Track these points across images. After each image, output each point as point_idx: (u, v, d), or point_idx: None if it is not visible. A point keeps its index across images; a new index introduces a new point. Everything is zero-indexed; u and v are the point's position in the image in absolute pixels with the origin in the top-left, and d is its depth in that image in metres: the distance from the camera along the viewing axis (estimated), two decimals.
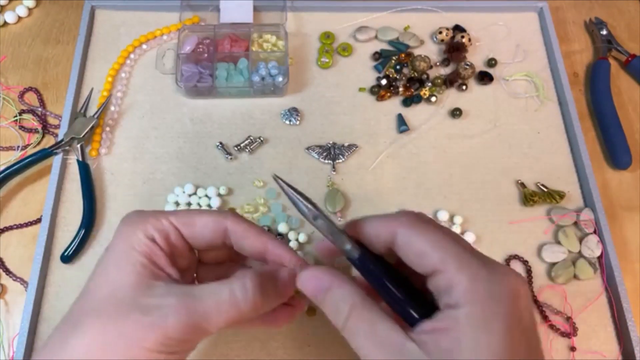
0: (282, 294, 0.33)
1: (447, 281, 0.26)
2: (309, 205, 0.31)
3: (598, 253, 0.50)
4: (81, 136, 0.53)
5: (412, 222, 0.29)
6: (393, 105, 0.58)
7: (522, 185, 0.54)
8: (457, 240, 0.28)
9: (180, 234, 0.33)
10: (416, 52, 0.61)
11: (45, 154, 0.52)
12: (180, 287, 0.30)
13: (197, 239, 0.33)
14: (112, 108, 0.56)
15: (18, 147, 0.54)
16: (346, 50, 0.60)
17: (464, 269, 0.26)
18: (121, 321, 0.28)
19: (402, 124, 0.56)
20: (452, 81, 0.59)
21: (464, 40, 0.60)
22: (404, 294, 0.29)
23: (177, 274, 0.32)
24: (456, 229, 0.51)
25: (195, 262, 0.37)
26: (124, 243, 0.31)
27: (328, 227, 0.31)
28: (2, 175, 0.51)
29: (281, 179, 0.32)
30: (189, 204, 0.51)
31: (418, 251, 0.28)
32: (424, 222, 0.29)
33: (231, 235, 0.34)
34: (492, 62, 0.61)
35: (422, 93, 0.58)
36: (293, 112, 0.57)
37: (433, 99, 0.58)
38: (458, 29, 0.62)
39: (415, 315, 0.28)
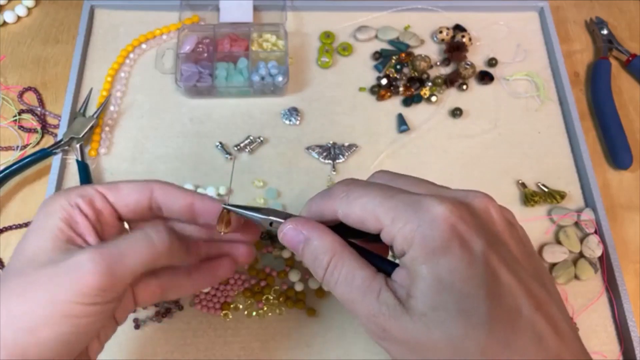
0: (197, 249, 0.34)
1: (388, 236, 0.27)
2: (260, 216, 0.33)
3: (599, 253, 0.50)
4: (80, 136, 0.53)
5: (344, 195, 0.29)
6: (393, 105, 0.58)
7: (523, 185, 0.54)
8: (384, 191, 0.28)
9: (107, 200, 0.33)
10: (416, 51, 0.61)
11: (44, 154, 0.52)
12: (99, 244, 0.31)
13: (123, 204, 0.33)
14: (112, 108, 0.56)
15: (17, 147, 0.54)
16: (346, 49, 0.60)
17: (395, 220, 0.26)
18: (39, 278, 0.28)
19: (402, 124, 0.56)
20: (453, 81, 0.59)
21: (464, 39, 0.60)
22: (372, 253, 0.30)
23: (98, 242, 0.32)
24: None
25: None
26: (44, 211, 0.31)
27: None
28: (1, 175, 0.51)
29: (230, 206, 0.34)
30: None
31: (357, 220, 0.28)
32: (354, 187, 0.29)
33: (158, 198, 0.34)
34: (492, 62, 0.60)
35: (422, 93, 0.58)
36: (293, 112, 0.56)
37: (433, 98, 0.58)
38: (458, 28, 0.62)
39: (389, 266, 0.29)
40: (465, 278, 0.25)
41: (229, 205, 0.34)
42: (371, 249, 0.30)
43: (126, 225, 0.35)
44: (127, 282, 0.30)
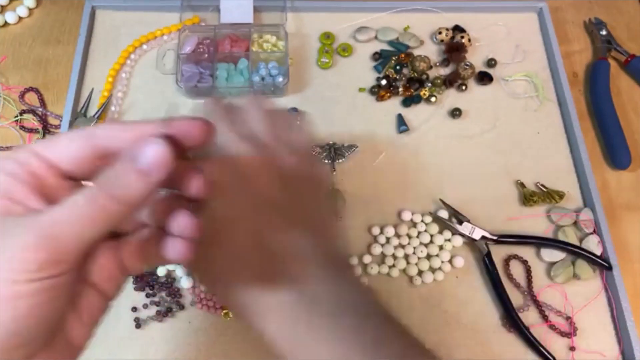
0: (145, 169, 0.26)
1: None
2: None
3: (598, 253, 0.50)
4: None
5: None
6: (393, 105, 0.58)
7: (522, 185, 0.54)
8: None
9: (46, 160, 0.27)
10: (416, 52, 0.61)
11: None
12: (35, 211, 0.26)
13: (65, 159, 0.28)
14: (113, 108, 0.56)
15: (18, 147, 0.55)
16: (346, 50, 0.60)
17: None
18: None
19: (402, 124, 0.56)
20: (452, 81, 0.59)
21: (463, 40, 0.61)
22: None
23: (44, 205, 0.27)
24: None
25: None
26: None
27: None
28: None
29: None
30: None
31: None
32: None
33: (102, 143, 0.28)
34: (491, 63, 0.61)
35: (421, 93, 0.58)
36: (293, 112, 0.57)
37: (433, 99, 0.58)
38: (458, 29, 0.62)
39: None
40: None
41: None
42: None
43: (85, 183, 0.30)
44: (77, 252, 0.25)
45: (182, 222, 0.29)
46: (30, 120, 0.56)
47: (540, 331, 0.48)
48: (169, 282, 0.48)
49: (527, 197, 0.53)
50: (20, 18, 0.62)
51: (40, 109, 0.57)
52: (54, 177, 0.28)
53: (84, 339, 0.28)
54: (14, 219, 0.25)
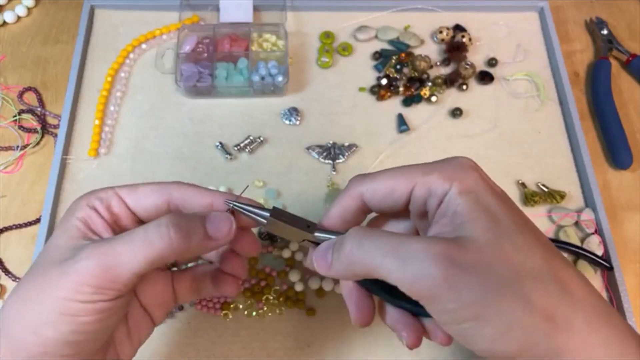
0: (212, 234, 0.31)
1: (422, 188, 0.30)
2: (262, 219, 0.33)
3: (599, 253, 0.50)
4: None
5: (363, 179, 0.33)
6: (393, 105, 0.58)
7: (523, 185, 0.54)
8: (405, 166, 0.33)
9: (125, 203, 0.33)
10: (416, 51, 0.61)
11: None
12: (101, 240, 0.30)
13: (141, 206, 0.33)
14: (112, 108, 0.56)
15: (17, 147, 0.54)
16: (346, 49, 0.60)
17: (427, 172, 0.30)
18: (47, 277, 0.29)
19: (402, 124, 0.56)
20: (453, 81, 0.59)
21: (464, 39, 0.60)
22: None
23: None
24: None
25: None
26: (67, 213, 0.32)
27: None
28: None
29: (237, 203, 0.33)
30: None
31: (386, 188, 0.32)
32: (369, 173, 0.33)
33: (176, 200, 0.33)
34: (492, 62, 0.60)
35: (422, 93, 0.58)
36: (293, 112, 0.56)
37: (433, 98, 0.58)
38: (458, 28, 0.62)
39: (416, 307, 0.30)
40: (505, 210, 0.29)
41: (234, 202, 0.33)
42: None
43: None
44: (129, 282, 0.29)
45: (238, 265, 0.36)
46: (29, 120, 0.56)
47: None
48: None
49: (528, 197, 0.53)
50: (18, 17, 0.62)
51: (39, 109, 0.56)
52: (128, 220, 0.33)
53: (130, 356, 0.34)
54: (84, 243, 0.30)
